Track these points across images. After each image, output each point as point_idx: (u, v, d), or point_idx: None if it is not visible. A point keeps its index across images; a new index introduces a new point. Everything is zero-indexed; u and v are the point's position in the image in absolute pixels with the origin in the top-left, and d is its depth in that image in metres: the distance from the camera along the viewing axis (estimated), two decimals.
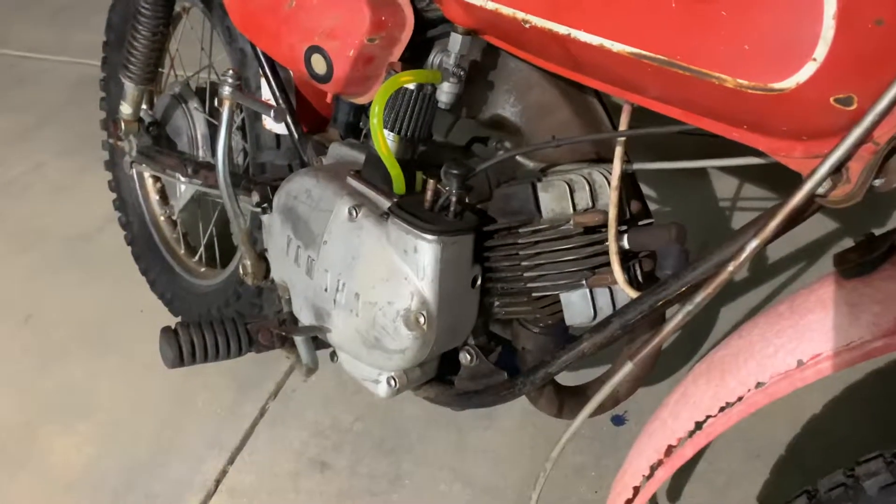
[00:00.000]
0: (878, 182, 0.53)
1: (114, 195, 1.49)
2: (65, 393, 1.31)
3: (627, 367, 0.61)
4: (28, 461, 1.19)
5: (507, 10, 0.62)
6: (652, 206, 0.82)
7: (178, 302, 1.36)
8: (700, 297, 0.53)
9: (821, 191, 0.49)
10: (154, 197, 1.43)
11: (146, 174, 1.41)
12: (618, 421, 1.17)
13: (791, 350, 0.51)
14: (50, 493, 1.14)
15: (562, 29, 0.58)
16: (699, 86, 0.51)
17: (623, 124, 0.65)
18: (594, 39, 0.55)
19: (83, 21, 2.67)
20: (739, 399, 0.53)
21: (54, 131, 2.10)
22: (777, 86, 0.47)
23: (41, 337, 1.43)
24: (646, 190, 1.46)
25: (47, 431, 1.23)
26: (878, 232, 0.55)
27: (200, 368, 1.02)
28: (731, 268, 0.51)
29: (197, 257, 1.38)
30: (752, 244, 0.50)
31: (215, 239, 1.36)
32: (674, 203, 1.56)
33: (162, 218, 1.42)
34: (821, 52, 0.45)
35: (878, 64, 0.45)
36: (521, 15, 0.61)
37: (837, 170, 0.49)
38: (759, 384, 0.52)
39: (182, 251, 1.40)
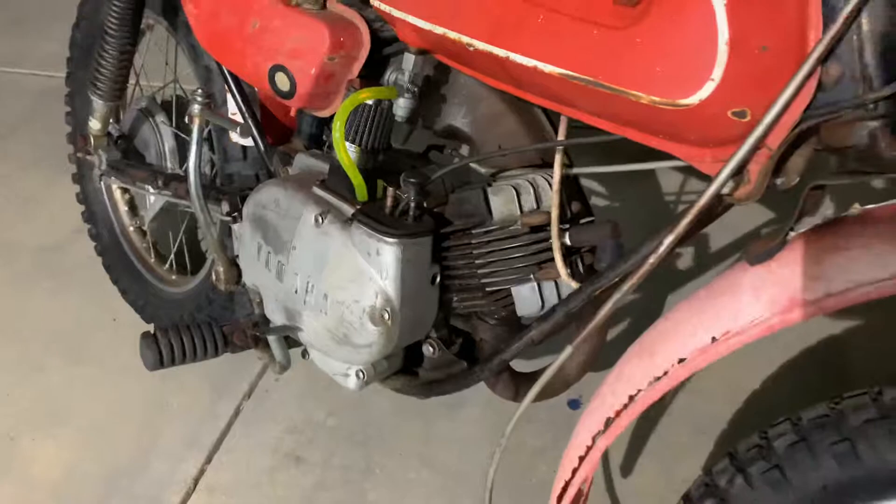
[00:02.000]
0: (779, 181, 0.62)
1: (82, 207, 1.52)
2: (43, 402, 1.34)
3: (567, 351, 0.69)
4: (10, 470, 1.22)
5: (453, 35, 0.69)
6: (602, 200, 0.90)
7: (150, 309, 1.40)
8: (626, 286, 0.61)
9: (726, 191, 0.57)
10: (123, 208, 1.47)
11: (114, 186, 1.44)
12: (574, 405, 1.25)
13: (707, 329, 0.59)
14: (33, 501, 1.17)
15: (501, 52, 0.65)
16: (620, 102, 0.59)
17: (561, 134, 0.73)
18: (529, 62, 0.63)
19: (41, 32, 2.66)
20: (665, 374, 0.61)
21: (18, 144, 2.11)
22: (683, 102, 0.55)
23: (16, 348, 1.46)
24: (596, 185, 1.56)
25: (28, 440, 1.27)
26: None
27: (175, 372, 1.07)
28: (651, 260, 0.59)
29: (167, 265, 1.43)
30: (668, 240, 0.58)
31: (185, 247, 1.40)
32: (620, 197, 1.65)
33: (131, 228, 1.46)
34: (718, 73, 0.53)
35: (766, 82, 0.53)
36: (465, 39, 0.68)
37: (738, 172, 0.57)
38: (680, 360, 0.60)
39: (152, 259, 1.44)
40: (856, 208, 0.56)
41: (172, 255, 1.40)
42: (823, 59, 0.53)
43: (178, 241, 1.38)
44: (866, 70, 0.52)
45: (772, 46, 0.53)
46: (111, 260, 1.48)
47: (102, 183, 1.41)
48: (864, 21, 0.52)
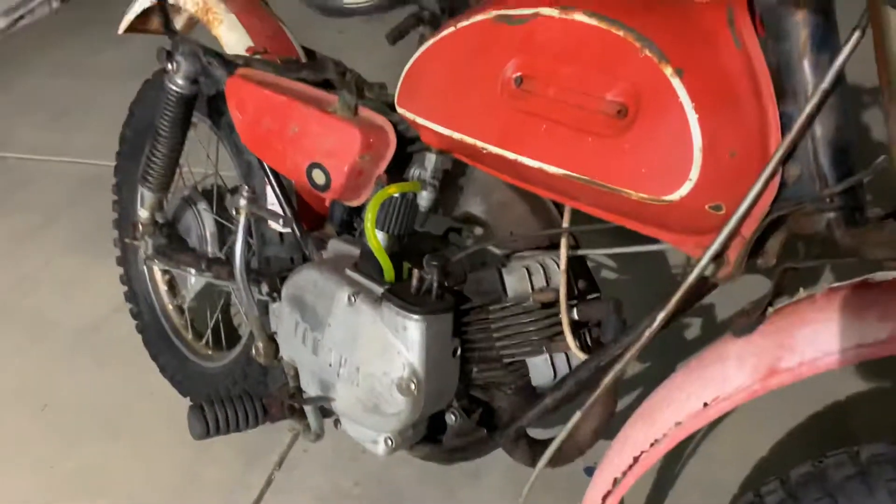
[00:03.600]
0: (759, 261, 0.70)
1: (125, 287, 1.63)
2: (83, 474, 1.42)
3: (576, 417, 0.76)
4: None
5: (469, 140, 0.80)
6: (611, 273, 0.98)
7: (187, 383, 1.48)
8: (626, 358, 0.69)
9: (708, 273, 0.66)
10: (163, 288, 1.58)
11: (156, 268, 1.55)
12: (590, 472, 1.29)
13: (699, 395, 0.67)
14: None
15: (510, 155, 0.75)
16: (614, 197, 0.69)
17: (566, 221, 0.83)
18: (535, 164, 0.73)
19: (82, 124, 2.86)
20: (664, 436, 0.68)
21: (61, 229, 2.25)
22: (666, 198, 0.64)
23: (58, 423, 1.54)
24: (607, 261, 1.65)
25: None
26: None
27: (208, 444, 1.15)
28: (646, 335, 0.67)
29: (204, 341, 1.52)
30: (660, 316, 0.66)
31: (220, 324, 1.50)
32: (626, 272, 1.74)
33: (171, 307, 1.56)
34: (694, 174, 0.63)
35: (737, 181, 0.63)
36: (479, 143, 0.78)
37: (718, 257, 0.66)
38: (677, 423, 0.68)
39: (190, 336, 1.54)
40: (823, 287, 0.65)
41: (209, 332, 1.49)
42: (784, 161, 0.62)
43: (215, 318, 1.48)
44: (821, 169, 0.62)
45: (739, 151, 0.62)
46: (151, 337, 1.58)
47: (145, 266, 1.52)
48: (817, 128, 0.62)
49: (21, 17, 4.35)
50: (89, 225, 2.17)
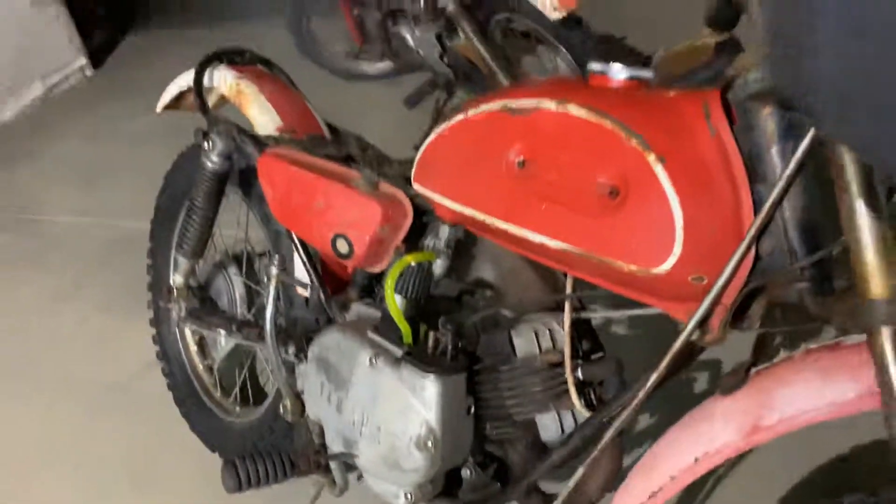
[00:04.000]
0: (745, 325, 0.77)
1: (157, 347, 1.71)
2: None
3: (579, 472, 0.82)
4: None
5: (478, 215, 0.88)
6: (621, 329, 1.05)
7: (216, 439, 1.55)
8: (622, 418, 0.75)
9: (694, 338, 0.73)
10: (193, 348, 1.66)
11: (188, 329, 1.64)
12: None
13: (690, 451, 0.73)
14: None
15: (515, 229, 0.83)
16: (609, 268, 0.76)
17: (568, 288, 0.90)
18: (537, 237, 0.81)
19: (114, 187, 3.00)
20: (660, 489, 0.74)
21: (94, 289, 2.36)
22: (654, 270, 0.72)
23: (90, 479, 1.61)
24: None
25: None
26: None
27: (235, 498, 1.21)
28: (641, 395, 0.74)
29: (232, 398, 1.59)
30: (652, 378, 0.73)
31: (248, 381, 1.58)
32: (632, 329, 1.79)
33: (201, 366, 1.64)
34: (677, 249, 0.70)
35: (716, 255, 0.70)
36: (487, 218, 0.87)
37: (703, 323, 0.73)
38: (671, 477, 0.74)
39: (218, 394, 1.61)
40: (801, 349, 0.71)
41: (237, 390, 1.57)
42: (758, 237, 0.70)
43: (243, 376, 1.55)
44: (791, 245, 0.69)
45: (717, 228, 0.70)
46: (181, 394, 1.65)
47: (177, 327, 1.61)
48: (786, 208, 0.69)
49: (56, 84, 4.59)
50: (121, 285, 2.28)
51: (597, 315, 0.95)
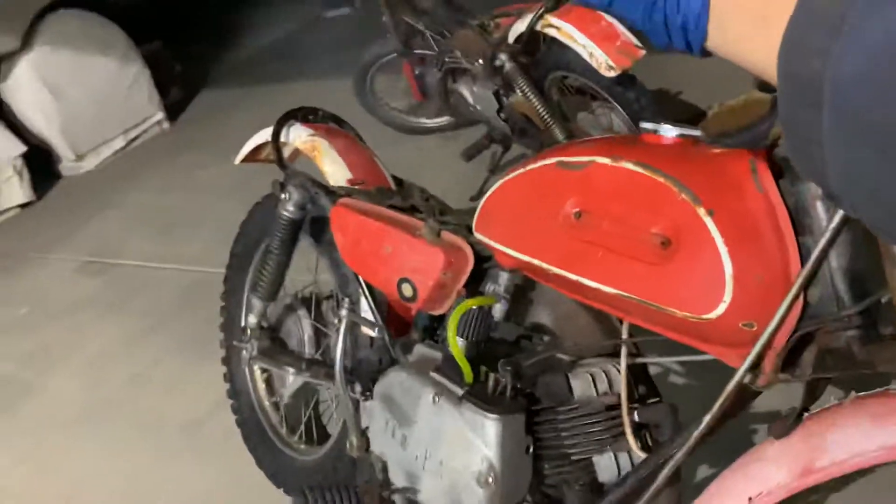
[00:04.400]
0: (798, 371, 0.80)
1: (227, 385, 1.81)
2: None
3: None
4: None
5: (536, 262, 0.94)
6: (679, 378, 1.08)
7: (282, 476, 1.62)
8: (676, 458, 0.78)
9: (747, 381, 0.76)
10: (261, 386, 1.75)
11: (256, 367, 1.73)
12: None
13: (744, 490, 0.75)
14: None
15: (572, 276, 0.89)
16: (662, 314, 0.81)
17: (624, 333, 0.94)
18: (593, 284, 0.86)
19: (189, 235, 3.18)
20: None
21: (170, 332, 2.49)
22: (706, 317, 0.76)
23: None
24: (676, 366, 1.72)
25: None
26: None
27: None
28: (695, 436, 0.77)
29: (297, 436, 1.66)
30: (706, 420, 0.77)
31: (313, 420, 1.65)
32: (689, 376, 1.80)
33: (268, 403, 1.72)
34: (728, 296, 0.74)
35: (765, 302, 0.74)
36: (545, 265, 0.92)
37: (755, 367, 0.76)
38: None
39: (284, 431, 1.69)
40: (851, 396, 0.74)
41: (302, 427, 1.64)
42: (806, 285, 0.73)
43: (308, 414, 1.62)
44: (838, 293, 0.73)
45: (765, 277, 0.74)
46: (249, 432, 1.73)
47: (247, 366, 1.70)
48: (832, 258, 0.73)
49: (136, 138, 4.90)
50: (195, 327, 2.41)
51: (652, 360, 0.98)
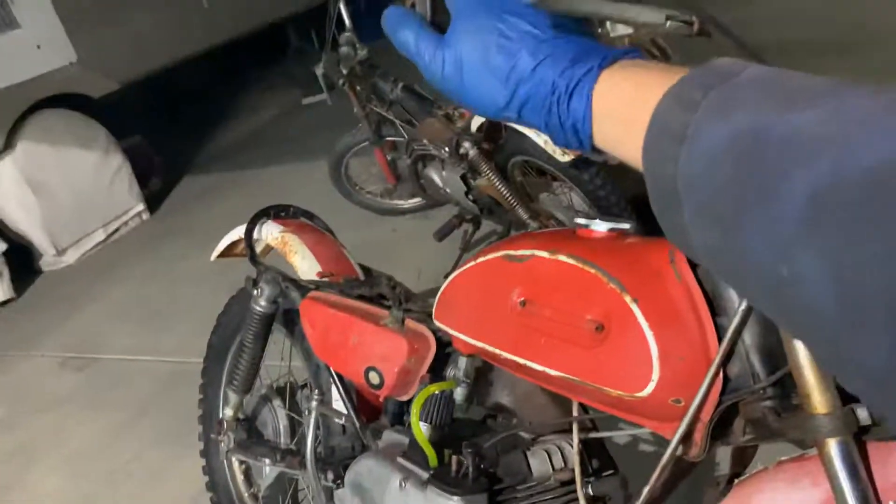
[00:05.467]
0: (729, 439, 0.86)
1: (206, 478, 1.82)
2: None
3: None
4: None
5: (489, 347, 1.01)
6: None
7: None
8: None
9: (679, 453, 0.83)
10: (240, 477, 1.77)
11: (235, 459, 1.76)
12: None
13: None
14: None
15: (520, 360, 0.96)
16: (601, 393, 0.87)
17: (574, 412, 1.01)
18: (539, 367, 0.93)
19: (169, 326, 3.22)
20: None
21: (150, 424, 2.51)
22: (638, 394, 0.83)
23: None
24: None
25: None
26: None
27: None
28: None
29: None
30: (645, 491, 0.82)
31: None
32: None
33: (246, 495, 1.74)
34: (655, 375, 0.82)
35: (689, 380, 0.81)
36: (497, 350, 1.00)
37: (687, 439, 0.83)
38: None
39: None
40: (775, 461, 0.80)
41: None
42: (725, 362, 0.81)
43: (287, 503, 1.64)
44: (753, 368, 0.80)
45: (687, 356, 0.82)
46: None
47: (225, 458, 1.73)
48: (746, 336, 0.81)
49: (117, 230, 4.98)
50: (175, 419, 2.43)
51: (600, 435, 1.04)
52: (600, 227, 0.95)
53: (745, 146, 0.39)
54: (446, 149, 2.36)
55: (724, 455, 0.87)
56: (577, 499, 1.02)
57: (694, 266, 0.85)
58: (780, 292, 0.37)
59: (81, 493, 2.24)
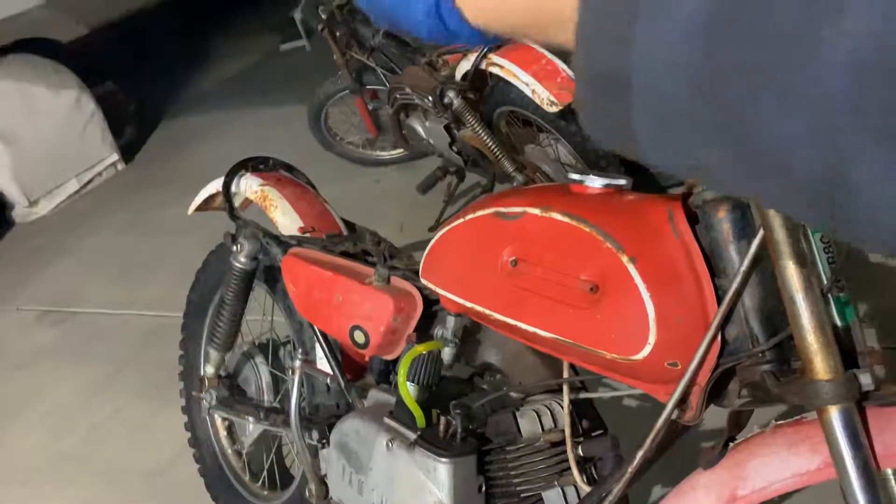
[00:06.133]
0: (725, 402, 0.85)
1: (188, 434, 1.80)
2: None
3: None
4: None
5: (478, 308, 0.98)
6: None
7: None
8: (614, 493, 0.82)
9: (675, 417, 0.81)
10: (223, 433, 1.75)
11: (217, 416, 1.73)
12: None
13: None
14: None
15: (510, 321, 0.93)
16: (595, 356, 0.85)
17: (565, 372, 0.99)
18: (530, 328, 0.90)
19: (148, 278, 3.16)
20: None
21: (130, 378, 2.47)
22: (633, 357, 0.81)
23: None
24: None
25: None
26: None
27: None
28: (629, 472, 0.81)
29: (260, 482, 1.67)
30: (639, 455, 0.81)
31: (275, 465, 1.65)
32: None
33: (230, 451, 1.73)
34: (652, 338, 0.79)
35: (686, 342, 0.79)
36: (486, 311, 0.97)
37: (682, 403, 0.81)
38: None
39: (247, 478, 1.69)
40: (771, 425, 0.79)
41: (265, 473, 1.64)
42: (723, 325, 0.78)
43: (270, 460, 1.63)
44: (752, 331, 0.78)
45: (685, 318, 0.79)
46: (212, 480, 1.73)
47: (207, 415, 1.71)
48: (745, 299, 0.78)
49: (91, 181, 4.85)
50: (156, 373, 2.39)
51: (592, 395, 1.03)
52: (595, 182, 0.91)
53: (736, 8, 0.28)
54: (429, 98, 2.29)
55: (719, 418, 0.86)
56: (566, 459, 1.01)
57: (693, 224, 0.82)
58: (825, 196, 0.29)
59: (62, 451, 2.21)
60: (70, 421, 2.35)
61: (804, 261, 0.70)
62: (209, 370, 1.55)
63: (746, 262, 0.76)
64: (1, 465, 2.26)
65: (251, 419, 1.45)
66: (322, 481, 1.22)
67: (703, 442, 1.50)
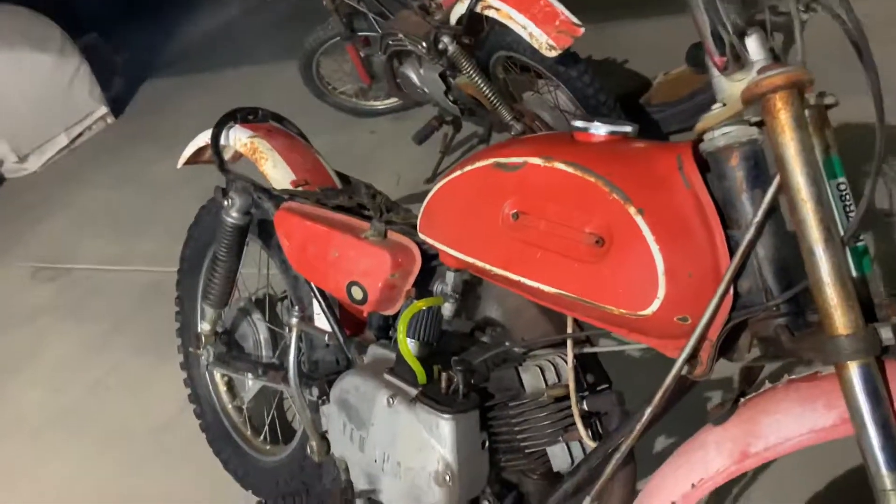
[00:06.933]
0: (735, 356, 0.82)
1: (188, 390, 1.79)
2: None
3: (586, 502, 0.87)
4: None
5: (478, 263, 0.94)
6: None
7: (248, 477, 1.62)
8: (622, 450, 0.81)
9: (684, 372, 0.78)
10: (223, 389, 1.74)
11: (216, 372, 1.72)
12: None
13: (687, 477, 0.78)
14: None
15: (513, 276, 0.89)
16: (601, 311, 0.82)
17: (569, 328, 0.96)
18: (534, 284, 0.87)
19: (142, 233, 3.12)
20: None
21: (128, 334, 2.46)
22: (642, 313, 0.78)
23: None
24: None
25: None
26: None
27: None
28: (637, 427, 0.79)
29: (262, 437, 1.66)
30: (648, 411, 0.79)
31: (276, 421, 1.65)
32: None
33: (230, 406, 1.72)
34: (661, 293, 0.76)
35: (697, 296, 0.76)
36: (487, 266, 0.93)
37: (692, 358, 0.78)
38: (673, 503, 0.79)
39: (249, 433, 1.68)
40: (784, 379, 0.76)
41: (266, 428, 1.64)
42: (736, 277, 0.75)
43: (271, 415, 1.62)
44: (766, 283, 0.75)
45: (695, 272, 0.76)
46: (214, 435, 1.73)
47: (206, 371, 1.69)
48: (759, 250, 0.75)
49: (80, 134, 4.76)
50: (154, 329, 2.38)
51: (596, 350, 1.00)
52: (599, 130, 0.86)
53: None
54: (423, 44, 2.20)
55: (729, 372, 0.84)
56: (571, 415, 0.99)
57: (704, 172, 0.78)
58: None
59: (63, 406, 2.21)
60: (69, 377, 2.34)
61: (824, 210, 0.66)
62: (205, 326, 1.53)
63: (761, 212, 0.73)
64: (6, 418, 2.27)
65: (249, 375, 1.44)
66: (323, 437, 1.21)
67: (707, 393, 1.49)
